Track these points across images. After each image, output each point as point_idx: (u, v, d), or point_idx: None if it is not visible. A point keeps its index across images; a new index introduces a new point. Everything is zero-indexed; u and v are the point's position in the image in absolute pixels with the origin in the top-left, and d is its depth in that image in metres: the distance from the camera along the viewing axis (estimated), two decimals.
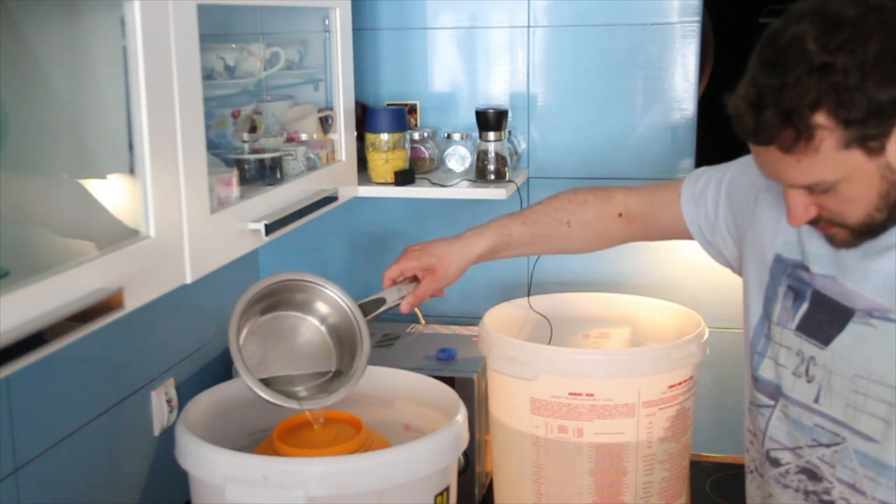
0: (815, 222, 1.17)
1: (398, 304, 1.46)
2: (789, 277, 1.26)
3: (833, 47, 1.02)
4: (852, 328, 1.18)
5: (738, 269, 1.39)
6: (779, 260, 1.27)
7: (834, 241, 1.18)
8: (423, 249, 1.47)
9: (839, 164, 1.07)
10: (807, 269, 1.23)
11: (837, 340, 1.19)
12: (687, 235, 1.45)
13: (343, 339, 1.44)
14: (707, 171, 1.43)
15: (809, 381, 1.23)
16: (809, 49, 1.03)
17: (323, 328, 1.45)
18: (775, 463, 1.29)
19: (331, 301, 1.44)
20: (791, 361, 1.25)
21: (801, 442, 1.25)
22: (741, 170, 1.37)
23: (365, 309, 1.42)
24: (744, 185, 1.35)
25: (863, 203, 1.11)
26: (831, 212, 1.14)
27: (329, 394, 1.38)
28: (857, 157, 1.06)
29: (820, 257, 1.21)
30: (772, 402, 1.29)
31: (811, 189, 1.11)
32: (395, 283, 1.47)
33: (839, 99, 1.03)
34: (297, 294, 1.43)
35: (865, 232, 1.14)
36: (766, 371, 1.30)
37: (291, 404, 1.35)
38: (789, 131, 1.05)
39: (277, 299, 1.42)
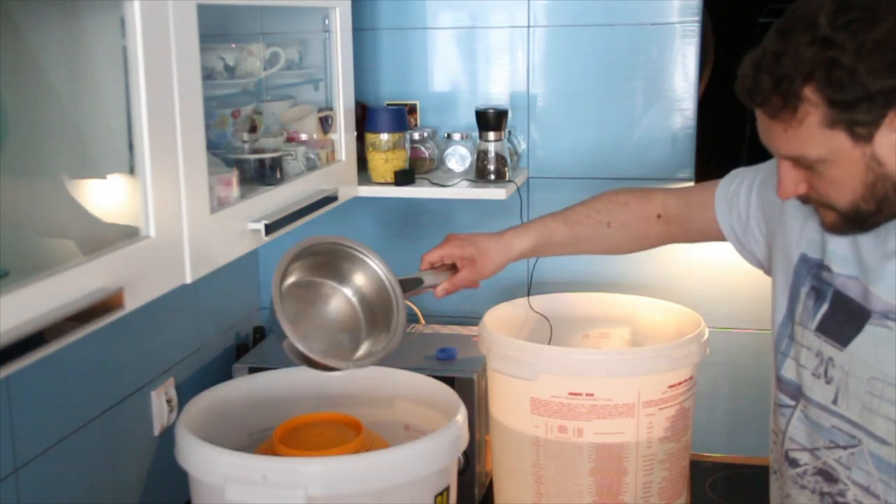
0: (805, 200, 1.18)
1: (433, 288, 1.47)
2: (813, 277, 1.25)
3: (839, 24, 1.03)
4: (869, 330, 1.17)
5: (769, 270, 1.38)
6: (804, 259, 1.27)
7: (824, 224, 1.19)
8: (467, 240, 1.48)
9: (822, 143, 1.07)
10: (828, 268, 1.23)
11: (855, 342, 1.19)
12: (722, 237, 1.45)
13: (376, 312, 1.43)
14: (742, 172, 1.43)
15: (828, 382, 1.22)
16: (819, 22, 1.04)
17: (355, 299, 1.43)
18: (794, 463, 1.29)
19: (370, 272, 1.42)
20: (811, 362, 1.25)
21: (820, 443, 1.24)
22: (773, 169, 1.37)
23: (403, 285, 1.42)
24: (774, 185, 1.34)
25: (848, 189, 1.11)
26: (819, 192, 1.14)
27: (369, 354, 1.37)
28: (841, 139, 1.07)
29: (842, 257, 1.21)
30: (793, 403, 1.28)
31: (797, 162, 1.12)
32: (432, 266, 1.48)
33: (829, 76, 1.03)
34: (338, 260, 1.42)
35: (853, 220, 1.14)
36: (789, 371, 1.29)
37: (340, 364, 1.31)
38: (777, 98, 1.07)
39: (318, 261, 1.41)
